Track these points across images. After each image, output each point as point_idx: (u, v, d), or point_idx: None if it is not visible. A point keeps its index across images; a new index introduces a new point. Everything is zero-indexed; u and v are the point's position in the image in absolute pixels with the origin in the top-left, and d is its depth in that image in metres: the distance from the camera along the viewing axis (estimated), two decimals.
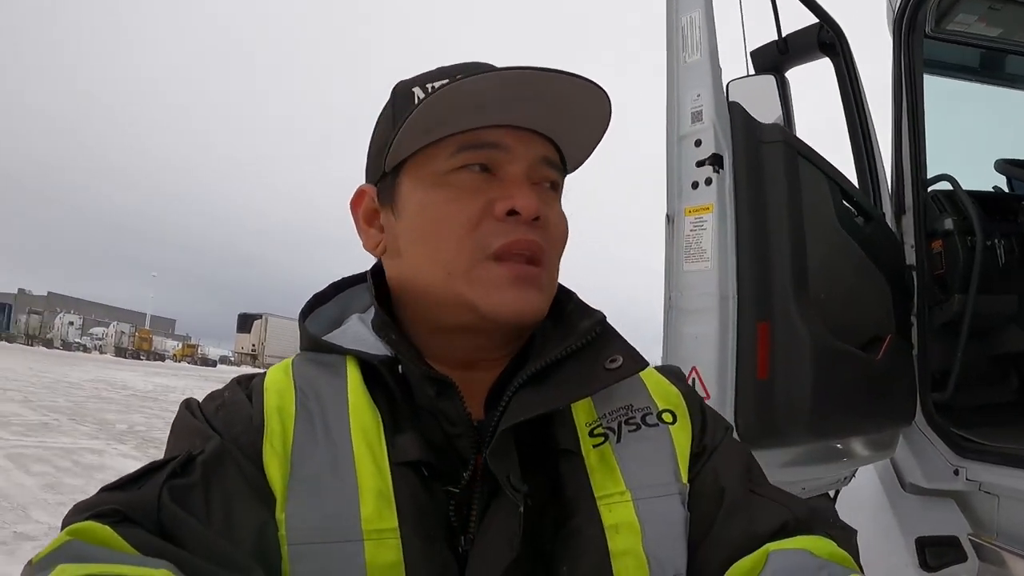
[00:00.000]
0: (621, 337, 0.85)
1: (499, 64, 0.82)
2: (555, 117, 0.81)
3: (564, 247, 0.86)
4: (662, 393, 0.87)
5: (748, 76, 2.97)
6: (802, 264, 2.05)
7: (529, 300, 0.79)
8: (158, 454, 0.71)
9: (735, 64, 3.01)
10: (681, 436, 0.83)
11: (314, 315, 0.91)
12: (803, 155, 2.16)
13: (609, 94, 0.78)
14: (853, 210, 2.34)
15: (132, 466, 0.89)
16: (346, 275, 0.97)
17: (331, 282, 0.96)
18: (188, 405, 0.79)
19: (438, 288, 0.80)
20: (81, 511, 0.63)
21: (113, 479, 0.68)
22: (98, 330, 70.52)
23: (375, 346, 0.82)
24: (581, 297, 0.91)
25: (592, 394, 0.80)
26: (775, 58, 2.92)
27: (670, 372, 0.95)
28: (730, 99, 2.93)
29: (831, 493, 2.51)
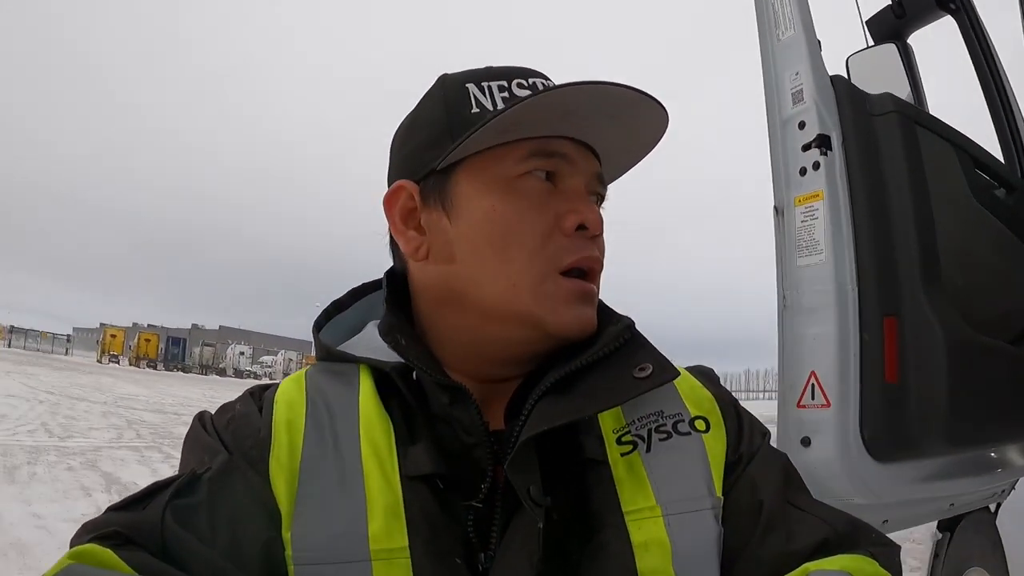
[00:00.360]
0: (650, 344, 0.82)
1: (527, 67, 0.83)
2: (615, 136, 0.81)
3: None
4: (695, 398, 0.84)
5: (867, 48, 2.74)
6: (931, 247, 1.83)
7: (590, 317, 0.80)
8: None
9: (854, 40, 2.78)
10: (715, 445, 0.80)
11: (332, 323, 0.90)
12: (921, 124, 1.93)
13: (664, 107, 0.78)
14: (991, 181, 2.06)
15: None
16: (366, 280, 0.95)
17: (350, 288, 0.94)
18: (201, 418, 0.78)
19: (499, 300, 0.77)
20: (87, 531, 0.62)
21: None
22: (267, 358, 75.18)
23: (390, 353, 0.80)
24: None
25: (620, 404, 0.78)
26: (893, 24, 2.67)
27: (702, 374, 0.90)
28: (851, 76, 2.72)
29: (992, 507, 2.22)
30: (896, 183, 1.85)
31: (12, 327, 69.67)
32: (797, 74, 1.94)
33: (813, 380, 1.76)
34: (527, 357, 0.81)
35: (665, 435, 0.78)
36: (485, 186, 0.78)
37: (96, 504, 6.99)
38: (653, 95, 0.75)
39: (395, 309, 0.84)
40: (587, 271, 0.80)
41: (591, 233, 0.79)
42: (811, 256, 1.84)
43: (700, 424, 0.80)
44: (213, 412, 0.79)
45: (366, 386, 0.77)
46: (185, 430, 0.77)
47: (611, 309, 0.86)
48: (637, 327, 0.83)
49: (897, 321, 1.75)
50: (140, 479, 8.46)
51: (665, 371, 0.77)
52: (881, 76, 2.67)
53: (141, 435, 12.20)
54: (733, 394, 0.92)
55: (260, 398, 0.79)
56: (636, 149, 0.86)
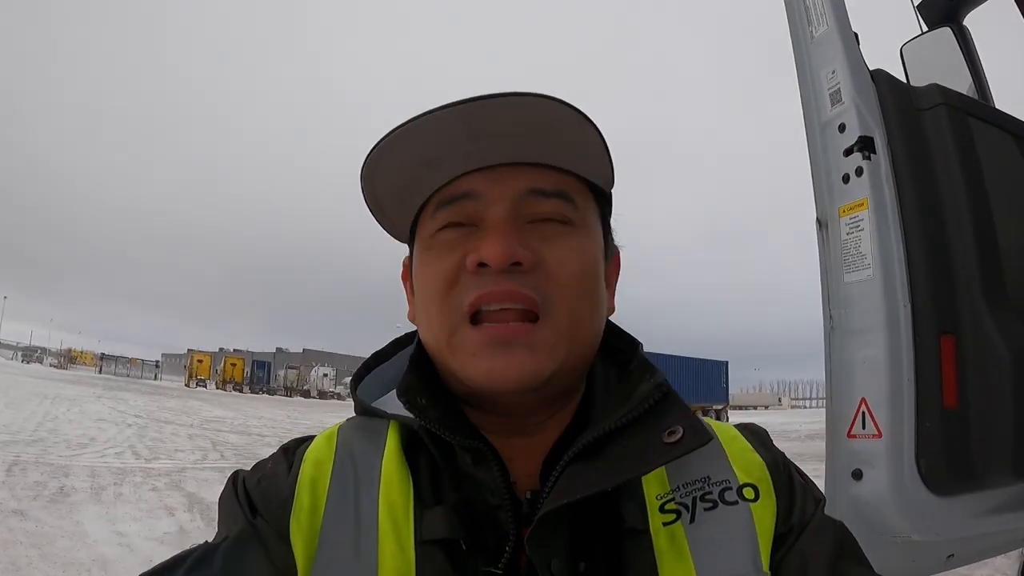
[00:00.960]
0: (683, 404, 0.74)
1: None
2: (526, 141, 0.69)
3: (585, 288, 0.71)
4: (744, 463, 0.76)
5: (921, 35, 2.56)
6: (992, 254, 1.68)
7: (513, 365, 0.67)
8: None
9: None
10: (764, 515, 0.73)
11: (372, 375, 0.87)
12: (975, 115, 1.77)
13: (558, 96, 0.66)
14: None
15: None
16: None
17: (392, 339, 0.90)
18: (234, 480, 0.76)
19: (436, 357, 0.74)
20: None
21: None
22: (350, 379, 75.97)
23: None
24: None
25: (646, 473, 0.70)
26: (946, 6, 2.48)
27: (755, 436, 0.82)
28: (906, 67, 2.55)
29: None
30: (949, 184, 1.69)
31: (103, 355, 73.91)
32: (833, 72, 1.80)
33: (864, 408, 1.62)
34: (513, 410, 0.73)
35: (711, 504, 0.72)
36: (417, 249, 0.76)
37: (178, 523, 7.20)
38: (508, 92, 0.64)
39: (421, 366, 0.78)
40: (512, 309, 0.68)
41: (495, 267, 0.67)
42: (858, 272, 1.69)
43: (749, 492, 0.74)
44: (247, 471, 0.77)
45: (392, 444, 0.74)
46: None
47: (647, 361, 0.78)
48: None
49: (955, 339, 1.60)
50: None
51: (696, 435, 0.69)
52: (938, 64, 2.51)
53: (225, 456, 12.53)
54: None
55: (292, 454, 0.77)
56: (576, 140, 0.71)
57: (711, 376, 34.53)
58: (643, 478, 0.72)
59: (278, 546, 0.68)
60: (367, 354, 0.89)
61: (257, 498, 0.72)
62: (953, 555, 1.64)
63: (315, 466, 0.73)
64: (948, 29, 2.48)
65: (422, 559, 0.66)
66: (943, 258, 1.65)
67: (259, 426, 21.51)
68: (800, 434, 23.60)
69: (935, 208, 1.68)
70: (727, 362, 36.43)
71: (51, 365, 71.30)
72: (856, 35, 1.81)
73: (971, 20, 2.52)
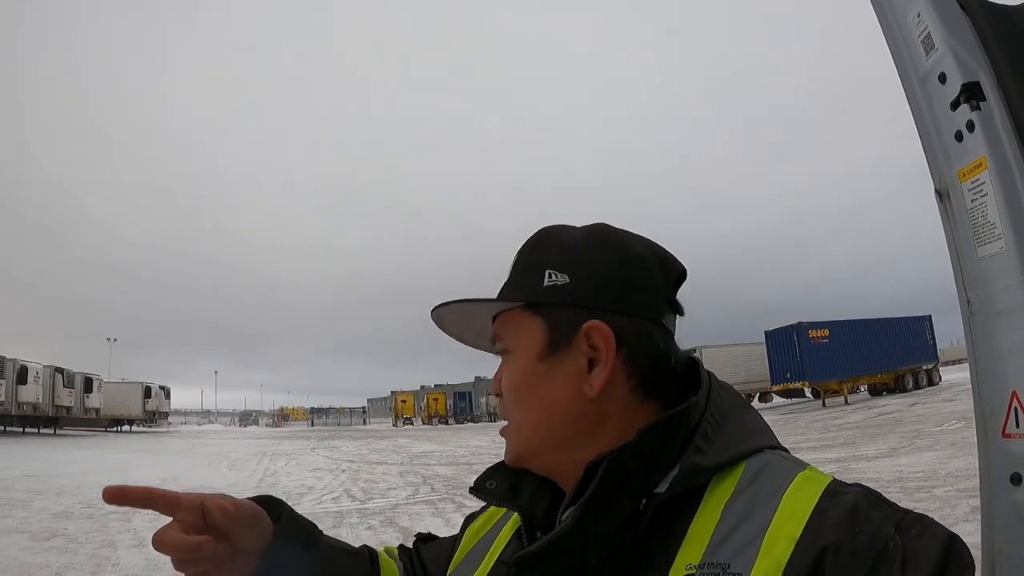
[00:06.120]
0: (592, 486, 0.74)
1: None
2: (473, 320, 0.96)
3: (515, 397, 0.88)
4: (771, 557, 0.64)
5: None
6: None
7: (505, 450, 0.90)
8: None
9: None
10: None
11: None
12: None
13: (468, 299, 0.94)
14: None
15: None
16: None
17: None
18: None
19: None
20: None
21: None
22: None
23: None
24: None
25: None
26: None
27: (830, 515, 0.67)
28: None
29: None
30: None
31: (313, 408, 79.71)
32: (919, 15, 1.56)
33: (1016, 403, 1.40)
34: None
35: None
36: None
37: None
38: (447, 302, 0.92)
39: None
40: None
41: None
42: (990, 244, 1.45)
43: None
44: None
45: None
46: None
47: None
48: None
49: None
50: (434, 530, 9.05)
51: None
52: None
53: (436, 489, 13.06)
54: None
55: None
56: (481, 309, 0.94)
57: (914, 334, 31.29)
58: (684, 541, 0.68)
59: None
60: None
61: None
62: None
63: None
64: None
65: (494, 572, 0.90)
66: None
67: (466, 455, 22.19)
68: None
69: None
70: (930, 316, 33.07)
71: (266, 425, 78.30)
72: None
73: None
